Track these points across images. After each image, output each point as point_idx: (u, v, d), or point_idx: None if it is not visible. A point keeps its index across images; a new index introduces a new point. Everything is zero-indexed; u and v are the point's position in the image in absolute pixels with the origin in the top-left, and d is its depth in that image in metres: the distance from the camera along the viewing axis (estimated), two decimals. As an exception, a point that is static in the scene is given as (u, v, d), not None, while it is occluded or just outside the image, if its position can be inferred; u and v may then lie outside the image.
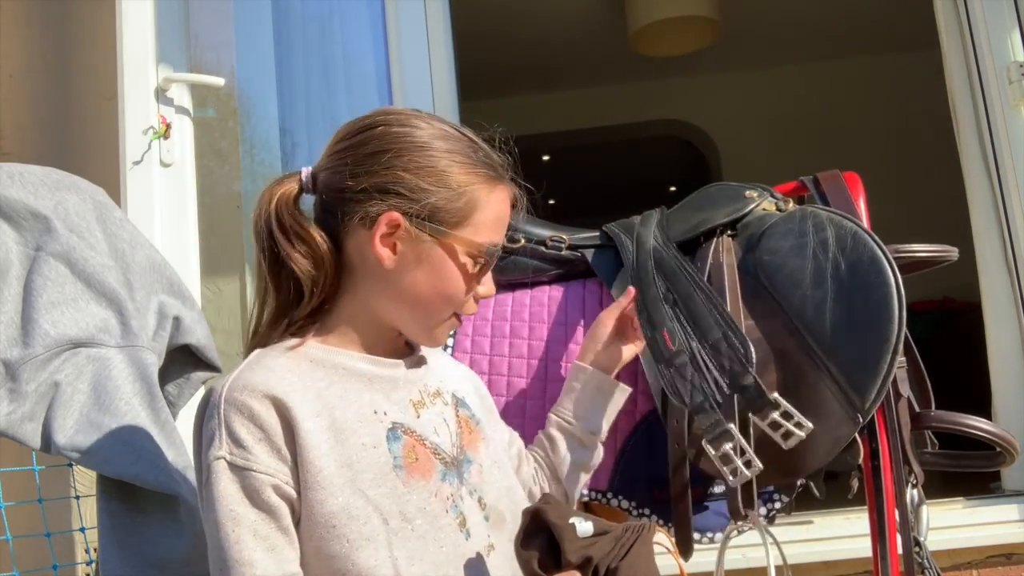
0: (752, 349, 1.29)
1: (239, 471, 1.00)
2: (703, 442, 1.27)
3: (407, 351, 1.20)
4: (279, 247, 1.10)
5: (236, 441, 1.00)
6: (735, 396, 1.27)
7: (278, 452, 1.01)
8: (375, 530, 1.02)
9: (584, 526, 1.00)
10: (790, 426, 1.24)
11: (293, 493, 1.02)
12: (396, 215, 1.08)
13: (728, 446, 1.25)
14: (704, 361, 1.31)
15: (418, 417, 1.13)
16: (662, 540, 1.06)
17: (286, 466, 1.02)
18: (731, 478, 1.25)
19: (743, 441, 1.25)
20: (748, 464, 1.24)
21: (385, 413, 1.10)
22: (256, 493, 1.00)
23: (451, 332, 1.18)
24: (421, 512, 1.06)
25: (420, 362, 1.20)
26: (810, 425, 1.24)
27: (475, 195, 1.11)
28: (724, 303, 1.39)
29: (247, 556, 0.98)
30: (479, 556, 1.10)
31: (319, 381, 1.07)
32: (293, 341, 1.11)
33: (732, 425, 1.25)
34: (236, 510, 0.99)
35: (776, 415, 1.25)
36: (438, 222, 1.10)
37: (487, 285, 1.17)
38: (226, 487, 1.00)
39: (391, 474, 1.06)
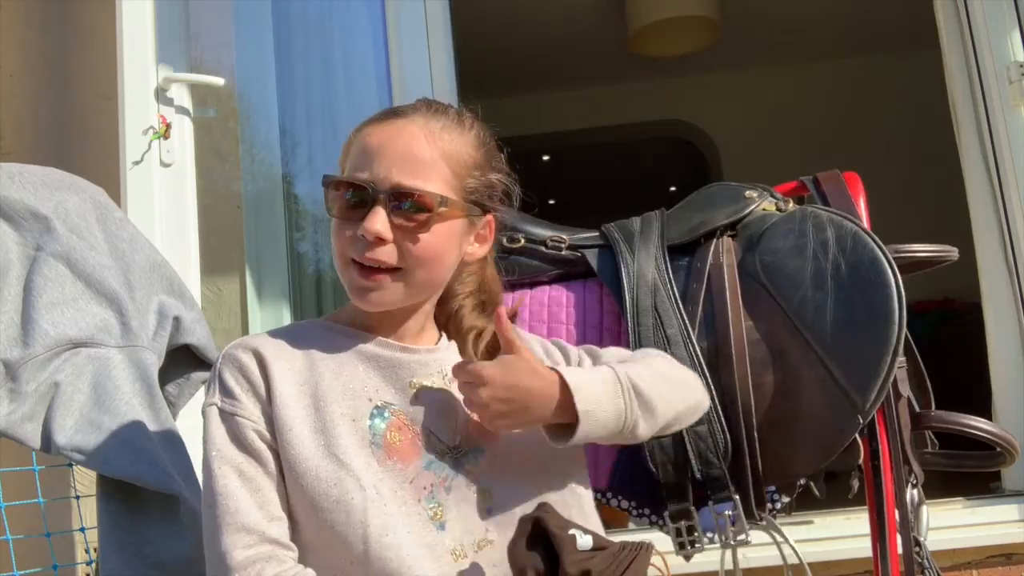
0: (730, 443, 1.36)
1: (228, 417, 1.09)
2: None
3: (435, 337, 1.22)
4: None
5: (226, 391, 1.10)
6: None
7: (261, 403, 1.09)
8: (348, 493, 1.05)
9: (584, 539, 1.00)
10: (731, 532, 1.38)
11: (274, 443, 1.08)
12: None
13: (684, 523, 1.39)
14: (685, 443, 1.37)
15: (416, 400, 1.15)
16: (658, 563, 1.05)
17: (265, 419, 1.09)
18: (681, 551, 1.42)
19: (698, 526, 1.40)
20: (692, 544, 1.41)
21: (376, 391, 1.13)
22: (243, 437, 1.08)
23: (365, 287, 1.11)
24: (393, 495, 1.08)
25: (445, 348, 1.21)
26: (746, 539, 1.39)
27: (347, 145, 1.17)
28: (725, 307, 1.40)
29: (233, 491, 1.05)
30: (448, 551, 1.08)
31: (316, 351, 1.14)
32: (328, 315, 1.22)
33: (693, 508, 1.39)
34: (224, 450, 1.07)
35: (729, 511, 1.38)
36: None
37: (366, 221, 1.09)
38: (215, 429, 1.08)
39: (367, 449, 1.09)
